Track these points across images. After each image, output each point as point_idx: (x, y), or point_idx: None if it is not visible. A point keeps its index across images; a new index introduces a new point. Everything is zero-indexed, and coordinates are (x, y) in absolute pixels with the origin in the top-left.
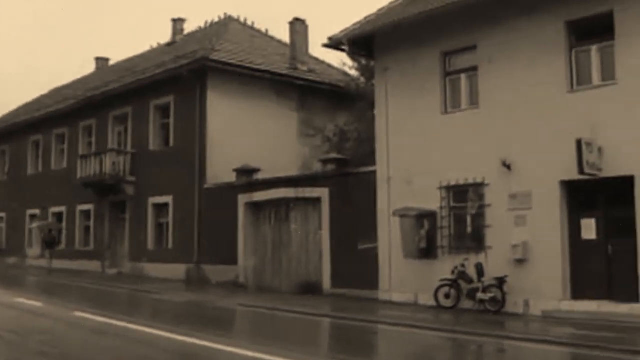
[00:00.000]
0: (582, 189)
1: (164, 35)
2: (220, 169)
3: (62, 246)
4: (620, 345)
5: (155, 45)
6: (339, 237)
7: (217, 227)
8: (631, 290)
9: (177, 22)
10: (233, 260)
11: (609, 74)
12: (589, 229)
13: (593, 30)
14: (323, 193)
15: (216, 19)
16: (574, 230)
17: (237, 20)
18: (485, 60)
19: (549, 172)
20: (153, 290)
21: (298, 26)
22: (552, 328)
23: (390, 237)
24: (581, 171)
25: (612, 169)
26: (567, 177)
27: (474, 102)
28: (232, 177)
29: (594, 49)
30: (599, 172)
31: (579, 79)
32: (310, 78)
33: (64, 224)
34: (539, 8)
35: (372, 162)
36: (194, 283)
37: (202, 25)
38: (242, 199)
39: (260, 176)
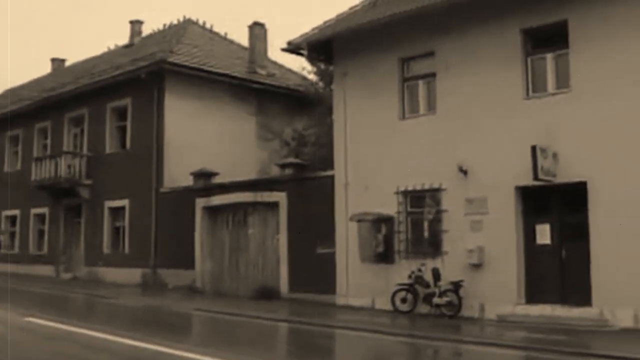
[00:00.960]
0: (537, 194)
1: (122, 37)
2: (177, 172)
3: (3, 250)
4: (572, 348)
5: (112, 47)
6: (296, 241)
7: (174, 231)
8: (584, 294)
9: (135, 24)
10: (190, 265)
11: (563, 82)
12: (544, 233)
13: (548, 39)
14: (281, 197)
15: (175, 22)
16: (529, 235)
17: (196, 23)
18: (443, 67)
19: (505, 177)
20: (108, 295)
21: (257, 30)
22: (506, 332)
23: (347, 241)
24: (536, 177)
25: (566, 174)
26: (522, 183)
27: (431, 108)
28: (189, 181)
29: (549, 56)
30: (554, 178)
31: (535, 86)
32: (269, 82)
33: (17, 228)
34: (496, 16)
35: (330, 166)
36: (150, 287)
37: (161, 27)
38: (200, 202)
39: (218, 180)
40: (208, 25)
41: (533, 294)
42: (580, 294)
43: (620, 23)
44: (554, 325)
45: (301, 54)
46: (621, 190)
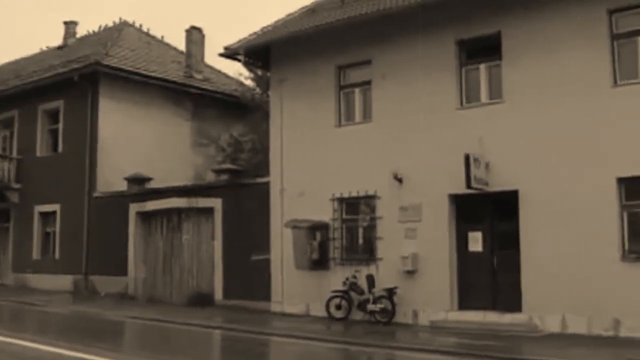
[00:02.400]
0: (470, 202)
1: (55, 39)
2: (111, 177)
3: None
4: (502, 353)
5: (45, 48)
6: (231, 248)
7: (106, 237)
8: (514, 301)
9: (70, 25)
10: (123, 271)
11: (496, 92)
12: (476, 241)
13: (482, 50)
14: (216, 203)
15: (110, 24)
16: (462, 242)
17: (132, 26)
18: (379, 75)
19: (439, 185)
20: (37, 302)
21: (194, 34)
22: (438, 338)
23: (282, 248)
24: (469, 185)
25: (499, 183)
26: (455, 191)
27: (367, 116)
28: (123, 186)
29: (482, 67)
30: (486, 187)
31: (469, 96)
32: (205, 87)
33: None
34: (432, 27)
35: (267, 173)
36: (81, 294)
37: (96, 29)
38: (133, 208)
39: (152, 185)
40: (145, 28)
41: (465, 301)
42: (511, 300)
43: (551, 37)
44: (486, 331)
45: (238, 60)
46: (550, 199)
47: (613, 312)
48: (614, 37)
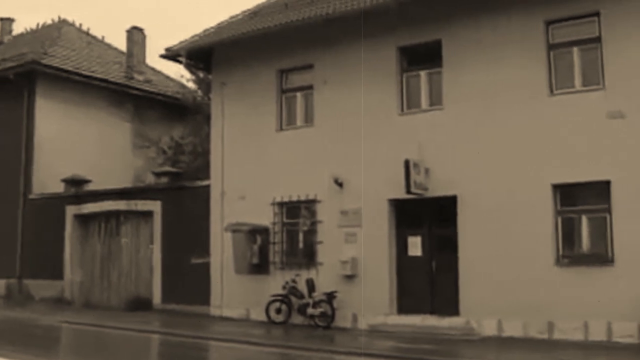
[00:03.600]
0: (410, 207)
1: None
2: (48, 178)
3: None
4: (439, 356)
5: None
6: (171, 251)
7: (42, 240)
8: (452, 305)
9: (5, 22)
10: (59, 275)
11: (436, 99)
12: (415, 246)
13: (423, 57)
14: (155, 206)
15: (49, 22)
16: (401, 247)
17: (72, 25)
18: (321, 80)
19: (379, 190)
20: None
21: (136, 35)
22: (377, 341)
23: (222, 252)
24: (408, 190)
25: (438, 188)
26: (395, 196)
27: (308, 120)
28: (60, 188)
29: (423, 74)
30: (425, 192)
31: (409, 102)
32: (146, 88)
33: None
34: (374, 33)
35: (207, 176)
36: (15, 299)
37: (34, 27)
38: (70, 210)
39: (90, 187)
40: (85, 28)
41: (404, 305)
42: (449, 304)
43: (490, 45)
44: (424, 334)
45: (180, 62)
46: (488, 205)
47: (547, 316)
48: (551, 47)
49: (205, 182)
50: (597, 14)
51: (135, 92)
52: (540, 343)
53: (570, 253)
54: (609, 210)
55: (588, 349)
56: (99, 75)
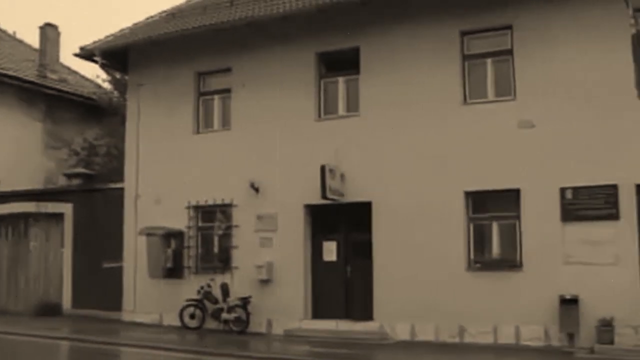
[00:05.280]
0: (325, 213)
1: None
2: None
3: None
4: None
5: None
6: (82, 255)
7: None
8: (366, 309)
9: None
10: None
11: (353, 105)
12: (330, 251)
13: (341, 63)
14: (67, 209)
15: None
16: (317, 252)
17: None
18: (239, 84)
19: (295, 195)
20: None
21: (49, 32)
22: (292, 346)
23: (136, 256)
24: (324, 196)
25: (353, 194)
26: (311, 201)
27: (226, 124)
28: None
29: (341, 80)
30: (341, 197)
31: (327, 108)
32: (60, 88)
33: None
34: (293, 38)
35: (122, 178)
36: None
37: None
38: None
39: None
40: None
41: (319, 310)
42: (363, 309)
43: (407, 54)
44: (338, 339)
45: (95, 61)
46: (402, 211)
47: (458, 320)
48: (465, 57)
49: (119, 185)
50: (510, 27)
51: (48, 91)
52: (452, 347)
53: (481, 258)
54: (518, 217)
55: (497, 352)
56: (9, 73)
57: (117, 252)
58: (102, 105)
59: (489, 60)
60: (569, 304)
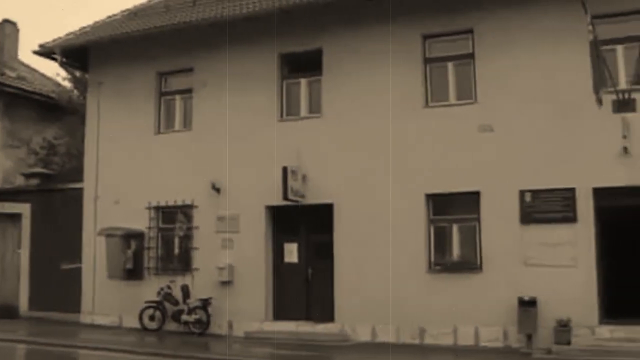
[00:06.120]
0: (287, 214)
1: None
2: None
3: None
4: None
5: None
6: (40, 256)
7: None
8: (327, 311)
9: None
10: None
11: (315, 107)
12: (291, 253)
13: (304, 64)
14: (24, 209)
15: None
16: (278, 253)
17: None
18: (201, 84)
19: (257, 196)
20: None
21: (8, 28)
22: (252, 348)
23: (95, 257)
24: (285, 197)
25: (315, 196)
26: (273, 203)
27: (187, 124)
28: None
29: (303, 81)
30: (302, 199)
31: (289, 109)
32: (18, 85)
33: None
34: (256, 38)
35: (81, 178)
36: None
37: None
38: None
39: None
40: None
41: (280, 311)
42: (325, 310)
43: (369, 56)
44: (299, 341)
45: (55, 59)
46: (363, 213)
47: (419, 321)
48: (427, 60)
49: (78, 185)
50: (471, 31)
51: (6, 89)
52: (413, 348)
53: (441, 260)
54: (478, 220)
55: (457, 353)
56: None
57: (75, 253)
58: (62, 104)
59: (450, 64)
60: (528, 305)
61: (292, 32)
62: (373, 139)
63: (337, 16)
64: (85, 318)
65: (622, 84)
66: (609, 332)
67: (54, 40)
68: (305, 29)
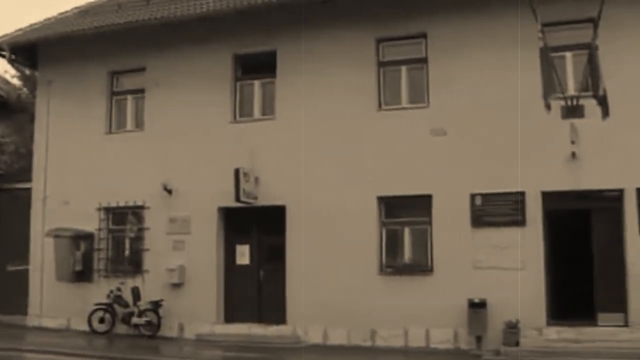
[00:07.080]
0: (239, 216)
1: None
2: None
3: None
4: None
5: None
6: None
7: None
8: (279, 313)
9: None
10: None
11: (269, 108)
12: (243, 255)
13: (258, 66)
14: None
15: None
16: (230, 255)
17: None
18: (153, 84)
19: (209, 198)
20: None
21: None
22: (203, 351)
23: (43, 258)
24: (238, 199)
25: (267, 198)
26: (225, 204)
27: (139, 124)
28: None
29: (257, 83)
30: (255, 201)
31: (242, 111)
32: None
33: None
34: (210, 39)
35: (30, 178)
36: None
37: None
38: None
39: None
40: None
41: (232, 313)
42: (276, 313)
43: (323, 59)
44: (251, 343)
45: (3, 56)
46: (316, 215)
47: (370, 323)
48: (381, 64)
49: (26, 185)
50: (425, 36)
51: None
52: (364, 350)
53: (393, 263)
54: (429, 223)
55: (408, 355)
56: None
57: (23, 254)
58: (10, 101)
59: (404, 68)
60: (478, 307)
61: (246, 33)
62: (326, 141)
63: (292, 18)
64: (32, 321)
65: (571, 90)
66: (556, 333)
67: (2, 37)
68: (260, 30)
